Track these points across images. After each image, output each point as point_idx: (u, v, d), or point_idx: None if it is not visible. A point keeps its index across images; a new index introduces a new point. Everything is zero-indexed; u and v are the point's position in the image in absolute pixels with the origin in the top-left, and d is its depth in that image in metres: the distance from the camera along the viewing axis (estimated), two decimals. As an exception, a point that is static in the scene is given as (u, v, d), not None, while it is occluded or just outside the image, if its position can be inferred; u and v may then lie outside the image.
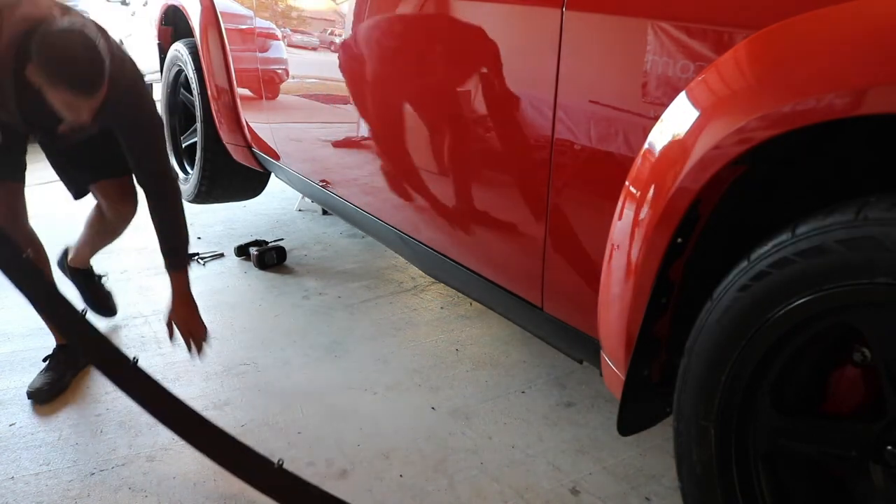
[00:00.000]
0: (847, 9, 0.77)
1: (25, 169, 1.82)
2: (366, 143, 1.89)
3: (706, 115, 0.89)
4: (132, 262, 2.59)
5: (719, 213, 0.95)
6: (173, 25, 3.20)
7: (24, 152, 1.81)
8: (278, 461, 1.39)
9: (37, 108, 1.53)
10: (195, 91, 2.85)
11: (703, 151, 0.87)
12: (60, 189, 2.01)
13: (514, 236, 1.38)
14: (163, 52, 3.24)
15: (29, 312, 1.71)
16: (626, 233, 1.02)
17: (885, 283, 0.73)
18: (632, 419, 1.14)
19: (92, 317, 1.97)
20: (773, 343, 0.85)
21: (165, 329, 1.82)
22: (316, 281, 2.59)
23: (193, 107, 2.92)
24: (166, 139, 1.82)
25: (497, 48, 1.33)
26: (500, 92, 1.32)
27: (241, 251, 2.80)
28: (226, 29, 2.64)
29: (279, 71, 2.33)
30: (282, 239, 2.93)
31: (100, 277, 2.27)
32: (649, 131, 0.99)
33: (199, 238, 3.01)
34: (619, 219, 1.04)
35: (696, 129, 0.89)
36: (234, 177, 2.95)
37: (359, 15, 1.79)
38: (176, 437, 1.48)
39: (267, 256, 2.71)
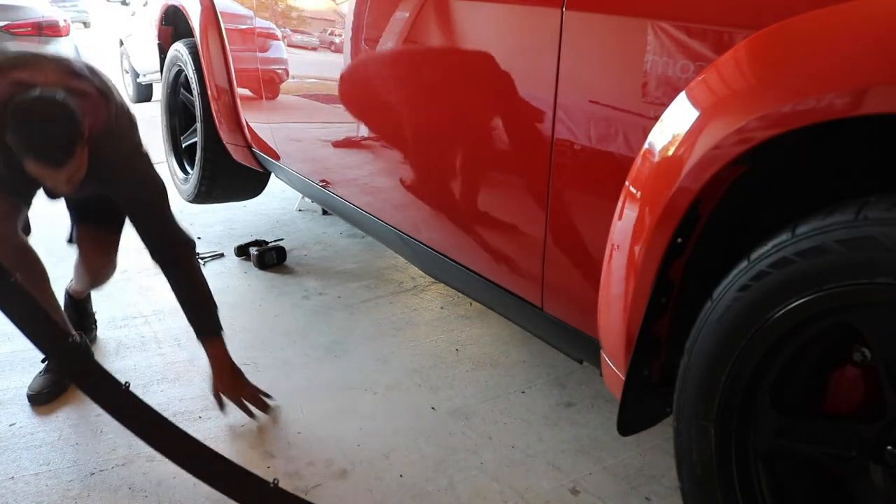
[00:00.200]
0: (847, 9, 0.77)
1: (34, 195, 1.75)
2: (366, 144, 1.90)
3: (706, 115, 0.89)
4: (132, 262, 2.58)
5: (719, 213, 0.95)
6: (173, 25, 3.20)
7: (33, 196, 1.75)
8: (273, 481, 1.40)
9: (22, 170, 1.47)
10: (195, 91, 2.85)
11: (703, 151, 0.88)
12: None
13: (515, 236, 1.38)
14: (163, 52, 3.24)
15: (29, 312, 1.70)
16: (626, 233, 1.02)
17: (885, 283, 0.73)
18: (632, 419, 1.14)
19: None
20: (773, 343, 0.85)
21: (213, 400, 1.70)
22: (316, 281, 2.59)
23: (193, 107, 2.92)
24: (169, 204, 1.70)
25: (497, 48, 1.33)
26: (500, 92, 1.32)
27: (241, 251, 2.80)
28: (226, 29, 2.64)
29: (279, 71, 2.34)
30: (282, 239, 2.93)
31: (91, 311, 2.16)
32: (649, 131, 0.99)
33: (199, 238, 2.98)
34: (619, 219, 1.04)
35: (696, 130, 0.89)
36: (234, 177, 2.95)
37: (358, 15, 1.79)
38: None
39: (267, 256, 2.71)
